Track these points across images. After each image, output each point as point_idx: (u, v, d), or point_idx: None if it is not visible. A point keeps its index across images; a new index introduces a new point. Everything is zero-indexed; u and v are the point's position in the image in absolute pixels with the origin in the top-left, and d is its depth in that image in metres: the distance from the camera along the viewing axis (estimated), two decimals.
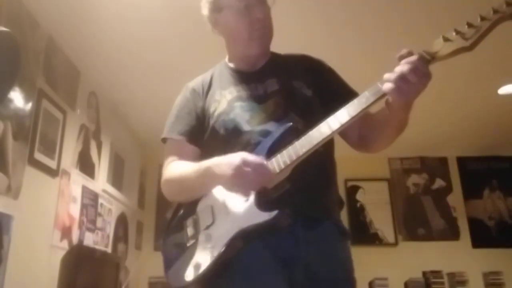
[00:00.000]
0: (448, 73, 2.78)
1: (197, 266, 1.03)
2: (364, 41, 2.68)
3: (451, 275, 4.12)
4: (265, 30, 1.23)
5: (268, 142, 1.06)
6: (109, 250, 3.27)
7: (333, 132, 0.99)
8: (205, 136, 1.21)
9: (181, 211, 1.19)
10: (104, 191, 3.23)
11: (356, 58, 2.78)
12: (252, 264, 1.01)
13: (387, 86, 0.92)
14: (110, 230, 3.35)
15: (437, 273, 4.11)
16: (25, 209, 2.09)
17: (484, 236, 4.44)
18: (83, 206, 2.80)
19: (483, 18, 0.87)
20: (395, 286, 4.07)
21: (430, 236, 4.43)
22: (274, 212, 0.98)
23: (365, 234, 4.42)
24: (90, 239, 2.90)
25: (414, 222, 4.49)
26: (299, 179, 1.03)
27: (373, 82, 0.97)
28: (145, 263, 4.00)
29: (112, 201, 3.42)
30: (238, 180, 0.98)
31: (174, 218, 1.20)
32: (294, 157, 1.00)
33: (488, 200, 4.59)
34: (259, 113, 1.15)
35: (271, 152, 1.04)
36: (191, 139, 1.22)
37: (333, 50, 2.47)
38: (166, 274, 1.12)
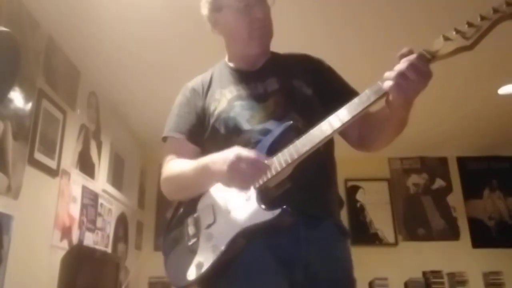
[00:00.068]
0: (448, 73, 2.78)
1: (199, 265, 1.03)
2: (364, 41, 2.68)
3: (451, 275, 4.13)
4: (265, 30, 1.24)
5: (268, 140, 1.07)
6: (109, 250, 3.27)
7: (334, 131, 0.99)
8: (205, 135, 1.21)
9: (181, 210, 1.19)
10: (104, 191, 3.23)
11: (356, 58, 2.78)
12: (253, 264, 1.01)
13: (387, 84, 0.92)
14: (110, 230, 3.35)
15: (437, 273, 4.11)
16: (25, 209, 2.09)
17: (484, 236, 4.44)
18: (83, 206, 2.80)
19: (483, 18, 0.87)
20: (395, 286, 4.07)
21: (430, 236, 4.43)
22: (277, 211, 0.98)
23: (365, 234, 4.43)
24: (90, 239, 2.90)
25: (414, 222, 4.50)
26: (300, 177, 1.03)
27: (373, 82, 0.97)
28: (145, 263, 4.00)
29: (112, 201, 3.42)
30: (235, 175, 0.98)
31: (174, 216, 1.20)
32: (296, 156, 1.00)
33: (488, 200, 4.59)
34: (259, 112, 1.15)
35: (272, 150, 1.04)
36: (191, 137, 1.22)
37: (333, 50, 2.46)
38: (168, 273, 1.12)
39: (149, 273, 3.97)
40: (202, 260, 1.04)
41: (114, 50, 2.68)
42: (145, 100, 3.37)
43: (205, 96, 1.25)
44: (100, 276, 2.83)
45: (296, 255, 1.04)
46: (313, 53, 1.33)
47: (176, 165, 1.19)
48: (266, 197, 1.02)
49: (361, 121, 1.09)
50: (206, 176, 1.07)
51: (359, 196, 4.57)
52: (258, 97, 1.18)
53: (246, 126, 1.13)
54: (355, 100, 0.98)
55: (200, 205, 1.12)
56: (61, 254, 2.42)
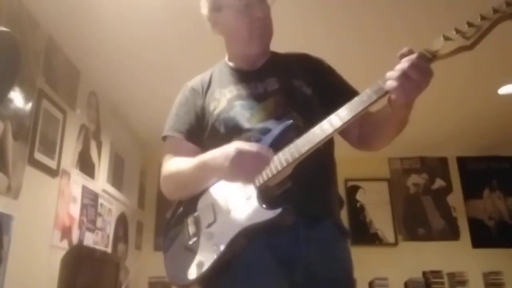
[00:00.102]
0: (448, 73, 2.78)
1: (200, 265, 1.03)
2: (364, 41, 2.68)
3: (451, 275, 4.13)
4: (265, 29, 1.23)
5: (268, 139, 1.07)
6: (109, 250, 3.27)
7: (335, 130, 0.99)
8: (205, 135, 1.21)
9: (181, 209, 1.19)
10: (104, 191, 3.23)
11: (356, 58, 2.78)
12: (253, 264, 1.01)
13: (390, 83, 0.92)
14: (110, 230, 3.35)
15: (437, 273, 4.12)
16: (25, 209, 2.09)
17: (484, 236, 4.44)
18: (83, 206, 2.80)
19: (483, 18, 0.87)
20: (395, 286, 4.07)
21: (430, 236, 4.43)
22: (278, 210, 0.98)
23: (365, 234, 4.42)
24: (90, 239, 2.90)
25: (414, 222, 4.50)
26: (300, 177, 1.03)
27: (374, 82, 0.97)
28: (145, 263, 3.99)
29: (112, 201, 3.42)
30: (238, 170, 0.99)
31: (174, 215, 1.20)
32: (296, 155, 1.00)
33: (488, 200, 4.59)
34: (259, 112, 1.15)
35: (272, 149, 1.04)
36: (190, 137, 1.22)
37: (333, 50, 2.46)
38: (168, 273, 1.12)
39: (149, 273, 3.97)
40: (203, 260, 1.03)
41: (114, 50, 2.68)
42: (145, 100, 3.37)
43: (204, 95, 1.25)
44: (100, 276, 2.83)
45: (296, 255, 1.04)
46: (313, 53, 1.33)
47: (175, 163, 1.19)
48: (267, 196, 1.02)
49: (362, 120, 1.09)
50: (206, 173, 1.08)
51: (359, 196, 4.57)
52: (258, 97, 1.18)
53: (246, 125, 1.13)
54: (356, 100, 0.97)
55: (200, 204, 1.12)
56: (61, 254, 2.42)
